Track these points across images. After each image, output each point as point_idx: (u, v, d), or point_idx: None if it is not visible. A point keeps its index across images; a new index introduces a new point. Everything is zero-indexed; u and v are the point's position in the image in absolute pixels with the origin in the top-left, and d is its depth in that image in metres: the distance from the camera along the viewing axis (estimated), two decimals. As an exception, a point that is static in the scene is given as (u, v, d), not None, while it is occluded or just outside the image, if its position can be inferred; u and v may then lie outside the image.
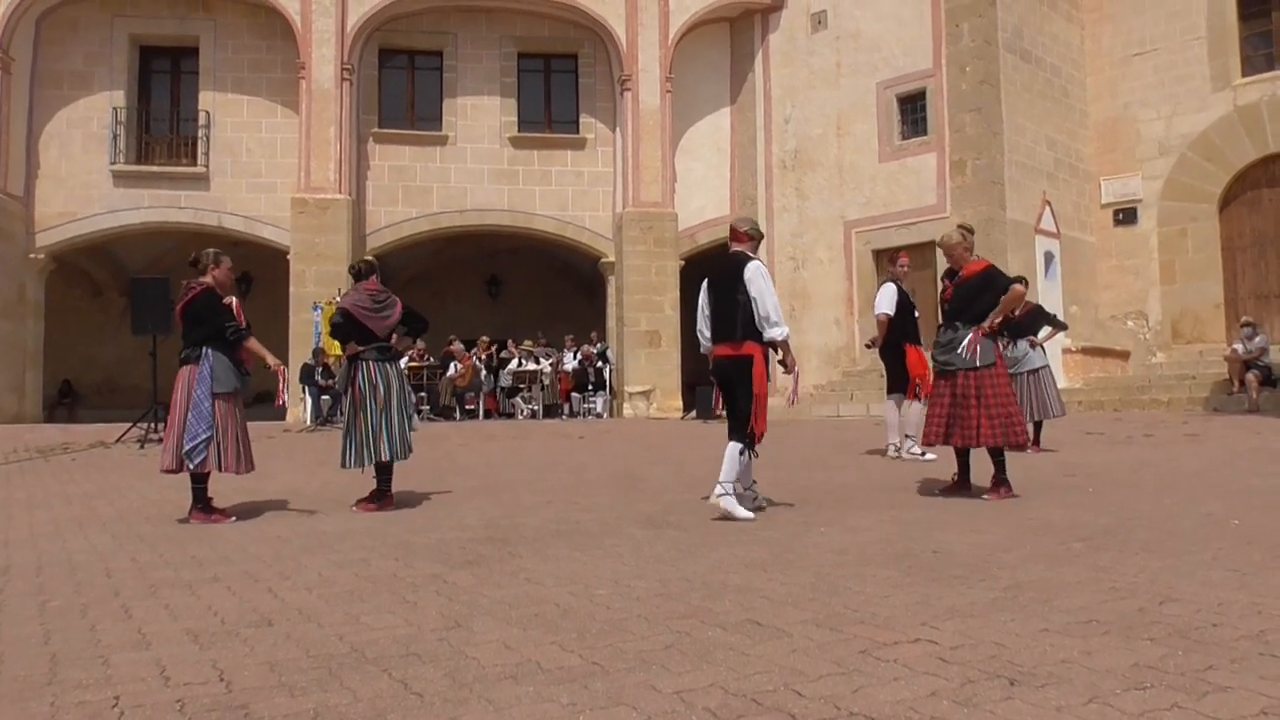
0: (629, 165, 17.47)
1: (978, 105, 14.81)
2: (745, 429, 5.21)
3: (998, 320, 5.72)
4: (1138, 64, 16.47)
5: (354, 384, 5.87)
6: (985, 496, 5.67)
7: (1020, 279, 6.03)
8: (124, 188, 16.72)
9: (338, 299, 15.74)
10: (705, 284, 5.56)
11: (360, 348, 5.90)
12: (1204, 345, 15.56)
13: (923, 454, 7.95)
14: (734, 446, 5.18)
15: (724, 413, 5.52)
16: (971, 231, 6.08)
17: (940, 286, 6.20)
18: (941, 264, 7.57)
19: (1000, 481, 5.72)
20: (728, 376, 5.35)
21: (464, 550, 4.35)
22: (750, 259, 5.35)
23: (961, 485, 5.88)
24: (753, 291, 5.19)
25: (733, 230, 5.58)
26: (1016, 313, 9.41)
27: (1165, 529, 4.47)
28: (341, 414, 6.29)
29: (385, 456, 5.85)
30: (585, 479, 7.53)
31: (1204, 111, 15.73)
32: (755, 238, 5.54)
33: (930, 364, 6.20)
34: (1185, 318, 16.08)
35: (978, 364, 5.64)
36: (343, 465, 5.95)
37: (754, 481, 5.49)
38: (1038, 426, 8.94)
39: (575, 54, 18.39)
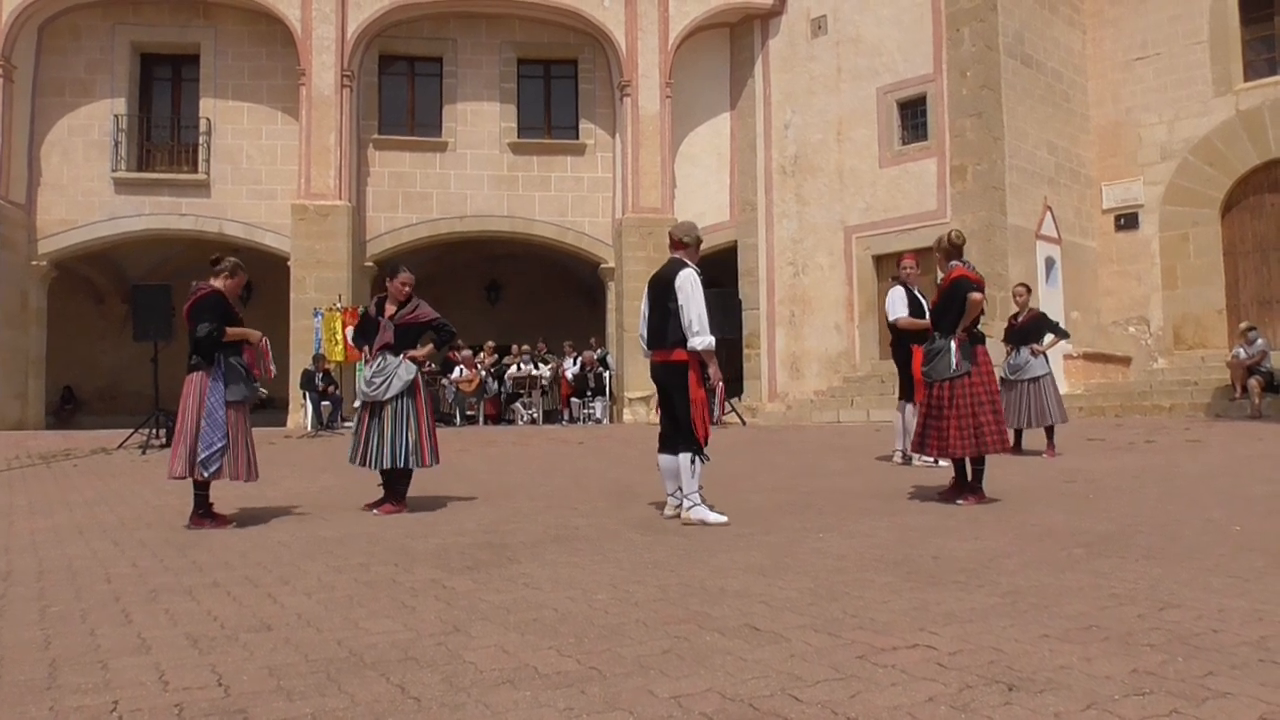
0: (628, 171, 17.50)
1: (978, 110, 14.81)
2: (690, 438, 5.24)
3: (964, 328, 5.77)
4: (1139, 68, 16.49)
5: (419, 388, 6.07)
6: (959, 501, 5.73)
7: (978, 287, 5.88)
8: (125, 195, 16.77)
9: (338, 305, 15.83)
10: (646, 288, 5.60)
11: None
12: (1206, 351, 15.53)
13: (935, 461, 7.92)
14: (684, 458, 5.22)
15: (658, 420, 5.55)
16: (956, 242, 5.96)
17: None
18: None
19: (975, 489, 5.78)
20: (663, 382, 5.42)
21: (463, 555, 4.35)
22: (684, 267, 5.36)
23: (958, 490, 5.88)
24: (680, 299, 5.23)
25: (670, 238, 5.59)
26: (1020, 319, 9.48)
27: (1167, 535, 4.46)
28: (343, 419, 6.36)
29: (429, 461, 6.15)
30: (584, 484, 7.53)
31: (1206, 116, 15.73)
32: (691, 244, 5.52)
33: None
34: (1187, 323, 16.06)
35: (951, 374, 5.70)
36: (433, 463, 6.15)
37: (678, 488, 5.41)
38: (1049, 431, 8.95)
39: (575, 60, 18.43)
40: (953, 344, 5.73)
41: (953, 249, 5.94)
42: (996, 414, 5.76)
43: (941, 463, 7.74)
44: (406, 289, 6.16)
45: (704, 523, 5.09)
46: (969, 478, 5.85)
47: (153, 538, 5.18)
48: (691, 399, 5.23)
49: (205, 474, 5.43)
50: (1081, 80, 16.95)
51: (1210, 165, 15.68)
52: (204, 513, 5.55)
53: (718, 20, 17.93)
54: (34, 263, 16.45)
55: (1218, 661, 2.43)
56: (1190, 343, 15.98)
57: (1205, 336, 15.80)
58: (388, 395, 5.95)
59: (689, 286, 5.25)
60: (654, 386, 5.77)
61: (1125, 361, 16.27)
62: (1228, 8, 15.62)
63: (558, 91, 18.67)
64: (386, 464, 5.97)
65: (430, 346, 6.23)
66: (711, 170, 18.25)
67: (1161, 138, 16.14)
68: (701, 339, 5.20)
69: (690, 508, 5.17)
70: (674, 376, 5.32)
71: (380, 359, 6.05)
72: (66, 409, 20.32)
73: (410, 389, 5.99)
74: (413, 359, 6.03)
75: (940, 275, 6.09)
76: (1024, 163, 15.26)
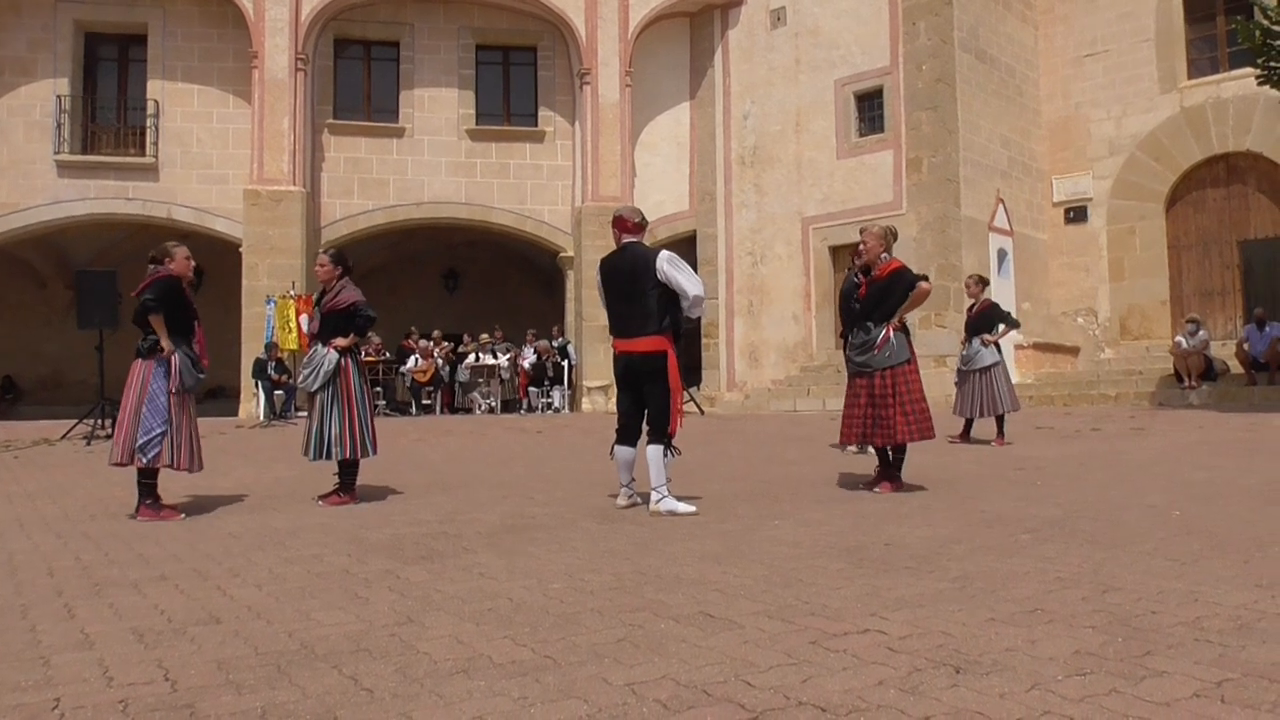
0: (588, 159, 17.42)
1: (934, 103, 15.00)
2: (663, 430, 5.16)
3: (903, 314, 5.84)
4: (1089, 64, 16.82)
5: (347, 375, 5.90)
6: (877, 489, 5.77)
7: (924, 276, 5.99)
8: (69, 178, 16.28)
9: (292, 292, 15.56)
10: (603, 278, 5.40)
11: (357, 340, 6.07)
12: (1150, 341, 15.97)
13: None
14: (655, 450, 5.14)
15: (619, 411, 5.45)
16: (895, 236, 6.10)
17: (850, 282, 6.23)
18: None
19: (894, 476, 5.83)
20: (636, 373, 5.24)
21: (418, 545, 4.32)
22: (657, 250, 5.26)
23: (883, 479, 5.92)
24: (677, 277, 5.09)
25: (624, 222, 5.35)
26: (974, 310, 9.63)
27: (1110, 520, 4.58)
28: (297, 408, 6.26)
29: (373, 452, 6.05)
30: (542, 474, 7.51)
31: (1152, 112, 16.12)
32: (644, 226, 5.42)
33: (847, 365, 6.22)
34: (1133, 314, 16.48)
35: (893, 362, 5.74)
36: (372, 454, 6.05)
37: (632, 479, 5.39)
38: (999, 420, 9.10)
39: (534, 46, 18.28)
40: (892, 331, 5.75)
41: (894, 240, 6.04)
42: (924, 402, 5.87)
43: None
44: (321, 271, 6.07)
45: (674, 513, 5.04)
46: (890, 464, 5.91)
47: (97, 530, 5.07)
48: (672, 388, 5.15)
49: (144, 460, 5.32)
50: (1033, 75, 17.24)
51: (1156, 160, 16.07)
52: (151, 503, 5.44)
53: (677, 10, 17.90)
54: (-28, 247, 15.93)
55: (1155, 642, 2.50)
56: (1136, 333, 16.41)
57: (1150, 327, 16.23)
58: (314, 387, 5.87)
59: (677, 262, 5.15)
60: (611, 378, 5.69)
61: (1074, 351, 16.65)
62: (1173, 7, 16.00)
63: (517, 78, 18.50)
64: (313, 456, 5.88)
65: (352, 335, 6.00)
66: (671, 160, 18.25)
67: (1110, 133, 16.50)
68: (700, 308, 5.20)
69: (659, 500, 5.11)
70: (652, 365, 5.15)
71: (312, 348, 6.00)
72: (7, 399, 19.73)
73: (334, 379, 5.86)
74: (335, 348, 5.89)
75: (862, 263, 6.08)
76: (978, 156, 15.49)
